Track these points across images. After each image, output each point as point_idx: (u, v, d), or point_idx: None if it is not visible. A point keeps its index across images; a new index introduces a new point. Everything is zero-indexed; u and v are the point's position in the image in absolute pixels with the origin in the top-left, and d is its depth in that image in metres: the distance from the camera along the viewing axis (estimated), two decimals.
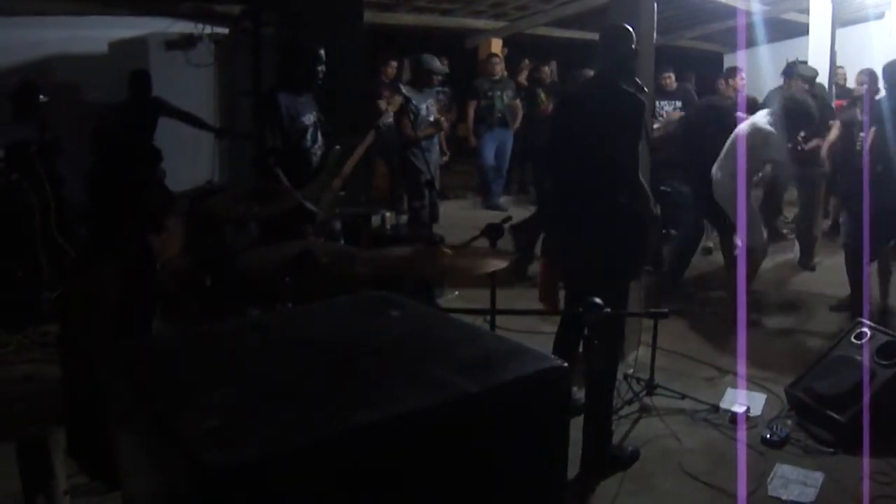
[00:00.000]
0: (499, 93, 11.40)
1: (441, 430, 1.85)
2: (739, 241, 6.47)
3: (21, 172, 6.51)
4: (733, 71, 8.91)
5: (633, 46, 4.45)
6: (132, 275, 3.40)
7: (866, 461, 4.27)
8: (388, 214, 7.73)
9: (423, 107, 8.01)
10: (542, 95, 11.73)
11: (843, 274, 6.68)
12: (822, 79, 9.07)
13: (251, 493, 1.56)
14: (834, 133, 7.74)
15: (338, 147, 5.57)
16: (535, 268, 7.01)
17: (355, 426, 1.72)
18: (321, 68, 5.43)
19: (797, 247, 8.63)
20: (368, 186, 9.53)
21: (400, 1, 11.37)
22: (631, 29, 4.47)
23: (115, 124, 8.09)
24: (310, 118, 5.42)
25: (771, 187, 8.87)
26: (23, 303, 6.40)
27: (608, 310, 2.94)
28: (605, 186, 4.29)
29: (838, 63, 10.75)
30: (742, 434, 4.68)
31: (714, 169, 6.64)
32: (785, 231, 9.56)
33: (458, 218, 10.39)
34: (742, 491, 4.05)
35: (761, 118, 6.55)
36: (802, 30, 11.07)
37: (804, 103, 6.50)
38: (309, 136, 5.41)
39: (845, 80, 10.93)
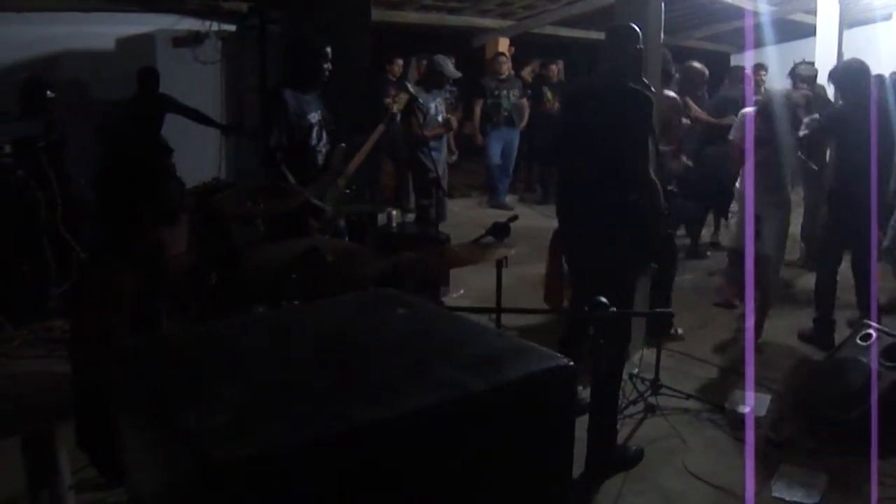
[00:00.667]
0: (505, 92, 11.41)
1: (446, 428, 1.85)
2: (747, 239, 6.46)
3: (28, 168, 6.52)
4: (761, 66, 8.96)
5: (640, 46, 4.45)
6: (144, 270, 3.40)
7: (874, 463, 4.26)
8: (394, 213, 7.73)
9: (433, 106, 8.01)
10: (549, 94, 11.73)
11: (847, 276, 6.67)
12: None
13: (257, 489, 1.56)
14: None
15: (343, 145, 5.58)
16: None
17: (361, 423, 1.72)
18: (327, 66, 5.43)
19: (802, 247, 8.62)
20: (374, 184, 9.53)
21: None
22: (638, 28, 4.47)
23: (121, 121, 8.11)
24: (315, 116, 5.42)
25: None
26: (29, 298, 6.41)
27: (614, 309, 2.94)
28: (613, 185, 4.29)
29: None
30: (748, 435, 4.68)
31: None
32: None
33: (464, 216, 10.40)
34: (750, 491, 4.05)
35: None
36: (810, 31, 11.07)
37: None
38: (314, 134, 5.41)
39: None
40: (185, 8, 9.33)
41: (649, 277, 5.42)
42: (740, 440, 4.64)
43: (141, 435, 2.04)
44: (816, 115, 7.37)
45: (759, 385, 5.31)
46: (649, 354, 5.37)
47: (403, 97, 6.45)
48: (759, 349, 5.75)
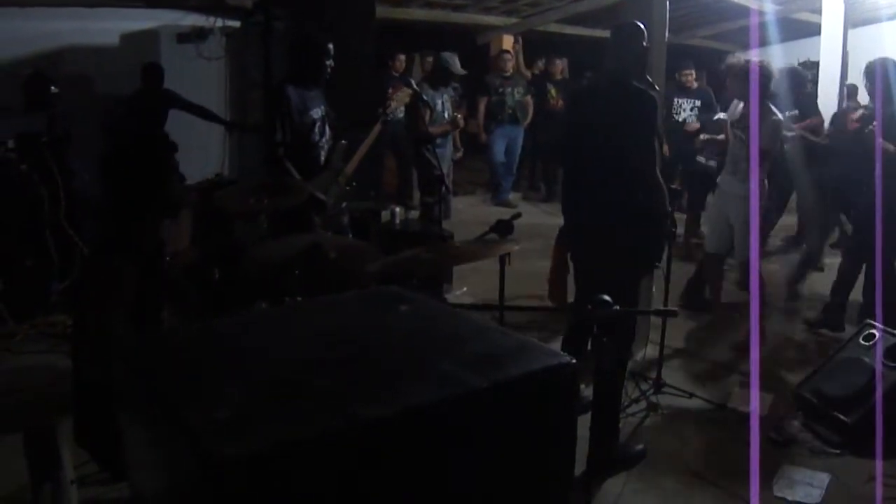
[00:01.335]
0: (509, 89, 11.41)
1: (448, 426, 1.85)
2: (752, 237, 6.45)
3: (31, 163, 6.52)
4: None
5: (645, 44, 4.44)
6: (147, 267, 3.40)
7: (879, 463, 4.26)
8: (397, 209, 7.73)
9: (439, 102, 8.01)
10: (553, 91, 11.73)
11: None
12: (834, 79, 9.05)
13: (259, 485, 1.56)
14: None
15: (344, 141, 5.57)
16: None
17: (363, 420, 1.72)
18: (329, 63, 5.43)
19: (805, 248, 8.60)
20: (377, 181, 9.53)
21: None
22: (643, 26, 4.45)
23: (125, 117, 8.11)
24: (318, 112, 5.42)
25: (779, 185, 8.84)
26: (31, 293, 6.41)
27: (617, 307, 2.93)
28: (617, 184, 4.28)
29: (851, 64, 10.71)
30: (751, 434, 4.67)
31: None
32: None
33: (468, 214, 10.39)
34: (752, 491, 4.05)
35: None
36: (815, 30, 11.04)
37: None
38: (317, 130, 5.41)
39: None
40: (189, 4, 9.33)
41: (653, 276, 5.42)
42: (742, 440, 4.63)
43: (143, 432, 2.04)
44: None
45: (762, 384, 5.31)
46: (652, 353, 5.37)
47: (404, 92, 6.44)
48: (761, 349, 5.74)
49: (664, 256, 5.14)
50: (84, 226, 6.68)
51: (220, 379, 1.91)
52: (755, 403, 4.96)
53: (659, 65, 5.59)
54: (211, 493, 1.58)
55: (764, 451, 4.48)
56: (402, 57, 10.55)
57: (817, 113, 8.33)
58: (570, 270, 5.04)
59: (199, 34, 9.34)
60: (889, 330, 4.86)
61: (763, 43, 12.66)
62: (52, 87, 7.11)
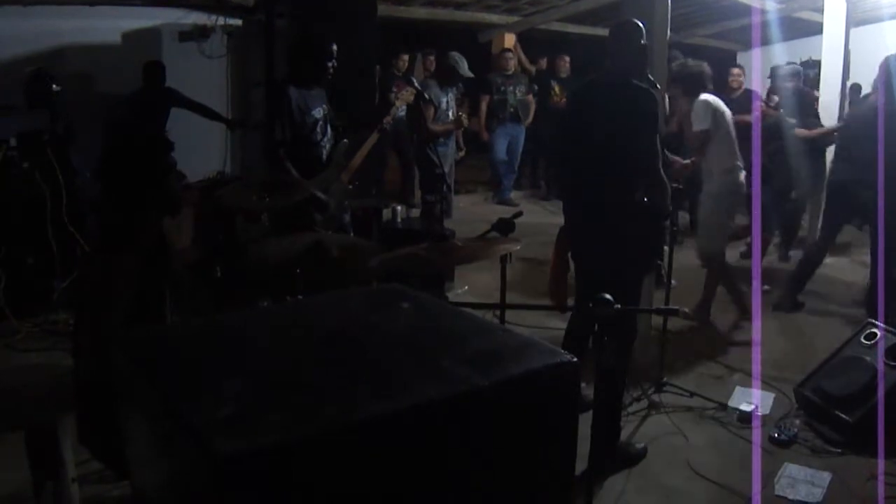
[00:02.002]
0: (511, 88, 11.41)
1: (450, 423, 1.85)
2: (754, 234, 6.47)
3: (33, 161, 6.52)
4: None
5: (644, 42, 4.43)
6: (148, 264, 3.40)
7: (881, 462, 4.26)
8: (399, 208, 7.74)
9: (444, 101, 8.01)
10: (556, 88, 11.73)
11: (853, 274, 6.66)
12: (836, 78, 9.04)
13: (261, 482, 1.57)
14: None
15: (345, 140, 5.58)
16: None
17: (364, 417, 1.72)
18: (332, 63, 5.42)
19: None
20: (379, 180, 9.53)
21: None
22: (642, 25, 4.45)
23: (127, 114, 8.11)
24: (319, 111, 5.42)
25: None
26: (33, 291, 6.42)
27: (618, 306, 2.93)
28: (618, 182, 4.28)
29: (853, 63, 10.69)
30: (753, 433, 4.67)
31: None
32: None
33: (470, 212, 10.39)
34: (753, 489, 4.05)
35: None
36: (816, 28, 11.01)
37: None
38: (318, 129, 5.42)
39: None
40: (191, 2, 9.34)
41: (654, 275, 5.42)
42: (744, 438, 4.64)
43: (145, 428, 2.04)
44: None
45: (763, 383, 5.31)
46: (653, 351, 5.36)
47: (409, 92, 6.44)
48: (763, 347, 5.73)
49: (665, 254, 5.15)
50: (86, 223, 6.68)
51: (221, 376, 1.91)
52: (756, 402, 4.96)
53: (661, 63, 5.59)
54: (213, 490, 1.58)
55: (765, 450, 4.50)
56: (406, 56, 10.55)
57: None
58: (570, 269, 5.04)
59: (201, 32, 9.34)
60: (890, 329, 4.86)
61: (765, 42, 12.66)
62: (54, 86, 7.11)
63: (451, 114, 8.07)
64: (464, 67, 8.03)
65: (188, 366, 2.02)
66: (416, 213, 8.41)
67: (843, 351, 4.98)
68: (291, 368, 2.00)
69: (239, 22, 9.67)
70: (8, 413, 3.52)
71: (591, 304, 2.94)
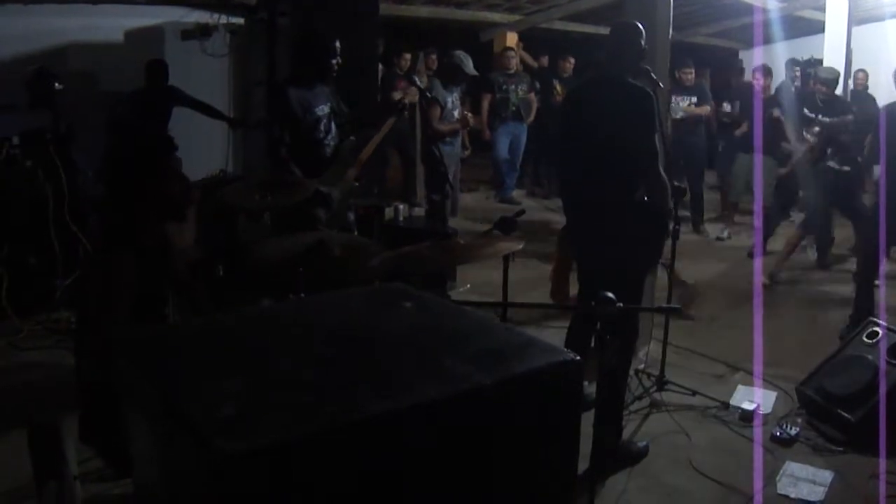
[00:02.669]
0: (513, 86, 11.40)
1: (453, 421, 1.85)
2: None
3: (35, 160, 6.53)
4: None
5: (643, 43, 4.42)
6: (150, 263, 3.40)
7: (882, 461, 4.26)
8: (401, 207, 7.74)
9: (449, 100, 8.01)
10: (559, 87, 11.72)
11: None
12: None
13: (263, 480, 1.57)
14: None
15: (352, 138, 5.58)
16: None
17: (366, 415, 1.72)
18: (335, 61, 5.42)
19: (814, 246, 8.62)
20: (381, 178, 9.53)
21: None
22: (641, 26, 4.44)
23: (130, 113, 8.11)
24: (323, 109, 5.42)
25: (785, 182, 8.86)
26: (36, 290, 6.42)
27: (620, 305, 2.93)
28: (618, 181, 4.28)
29: (855, 62, 10.69)
30: (755, 431, 4.67)
31: None
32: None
33: (472, 211, 10.39)
34: (755, 488, 4.05)
35: None
36: (818, 27, 11.01)
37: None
38: (321, 128, 5.41)
39: (865, 83, 10.85)
40: (193, 1, 9.32)
41: (656, 273, 5.42)
42: (746, 437, 4.64)
43: (147, 426, 2.04)
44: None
45: (765, 382, 5.31)
46: (655, 350, 5.37)
47: (413, 91, 6.45)
48: (765, 346, 5.73)
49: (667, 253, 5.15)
50: (88, 223, 6.68)
51: (222, 375, 1.91)
52: (758, 401, 4.96)
53: (662, 63, 5.58)
54: (213, 489, 1.59)
55: (767, 449, 4.50)
56: (408, 55, 10.55)
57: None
58: (573, 268, 5.04)
59: (204, 31, 9.33)
60: (893, 328, 4.85)
61: (767, 40, 12.66)
62: (57, 84, 7.10)
63: (456, 113, 8.07)
64: (469, 66, 8.03)
65: (189, 365, 2.03)
66: (417, 211, 8.41)
67: (845, 350, 4.97)
68: (292, 368, 2.00)
69: (241, 20, 9.65)
70: (11, 411, 3.53)
71: (593, 303, 2.94)
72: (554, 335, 4.95)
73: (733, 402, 5.00)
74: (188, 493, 1.78)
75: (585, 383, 4.22)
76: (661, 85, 4.73)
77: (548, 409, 2.02)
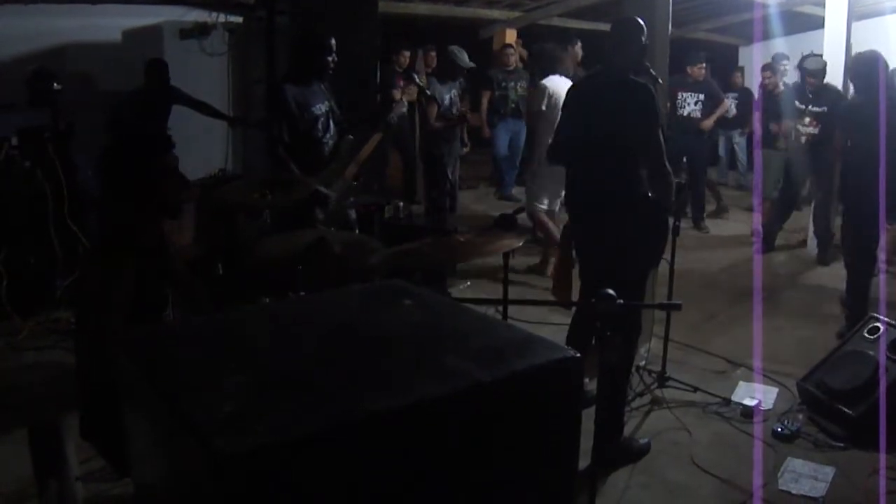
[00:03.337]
0: (513, 83, 11.39)
1: (453, 419, 1.85)
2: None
3: (35, 159, 6.53)
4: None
5: (644, 39, 4.41)
6: (149, 261, 3.40)
7: (883, 456, 4.26)
8: (401, 204, 7.74)
9: (447, 97, 8.00)
10: None
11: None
12: (838, 72, 9.02)
13: (263, 479, 1.56)
14: None
15: (350, 136, 5.57)
16: None
17: (367, 413, 1.72)
18: (331, 58, 5.42)
19: (815, 242, 8.63)
20: (381, 176, 9.52)
21: None
22: (642, 22, 4.43)
23: (129, 112, 8.10)
24: (321, 108, 5.42)
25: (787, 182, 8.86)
26: (35, 289, 6.42)
27: (621, 301, 2.93)
28: (619, 177, 4.27)
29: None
30: (756, 427, 4.67)
31: None
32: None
33: (471, 208, 10.39)
34: (756, 484, 4.05)
35: None
36: (818, 23, 11.00)
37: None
38: (320, 126, 5.41)
39: None
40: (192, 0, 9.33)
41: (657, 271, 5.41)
42: (747, 433, 4.64)
43: (147, 426, 2.04)
44: (825, 109, 7.41)
45: (766, 378, 5.31)
46: (656, 346, 5.37)
47: (413, 89, 6.44)
48: (765, 342, 5.73)
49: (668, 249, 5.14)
50: (87, 222, 6.69)
51: (223, 373, 1.90)
52: (759, 397, 4.96)
53: (662, 59, 5.58)
54: (215, 488, 1.58)
55: (768, 445, 4.50)
56: (407, 52, 10.54)
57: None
58: (574, 265, 5.04)
59: (202, 30, 9.33)
60: (893, 323, 4.85)
61: (766, 36, 12.64)
62: (56, 84, 7.11)
63: (454, 110, 8.07)
64: (463, 59, 8.03)
65: (189, 364, 2.02)
66: (417, 209, 8.41)
67: (846, 345, 4.97)
68: (293, 366, 2.00)
69: (240, 19, 9.66)
70: (11, 411, 3.53)
71: (593, 300, 2.93)
72: (555, 332, 4.94)
73: (734, 398, 5.00)
74: (188, 493, 1.77)
75: (586, 380, 4.23)
76: (661, 81, 4.72)
77: (548, 406, 2.02)
